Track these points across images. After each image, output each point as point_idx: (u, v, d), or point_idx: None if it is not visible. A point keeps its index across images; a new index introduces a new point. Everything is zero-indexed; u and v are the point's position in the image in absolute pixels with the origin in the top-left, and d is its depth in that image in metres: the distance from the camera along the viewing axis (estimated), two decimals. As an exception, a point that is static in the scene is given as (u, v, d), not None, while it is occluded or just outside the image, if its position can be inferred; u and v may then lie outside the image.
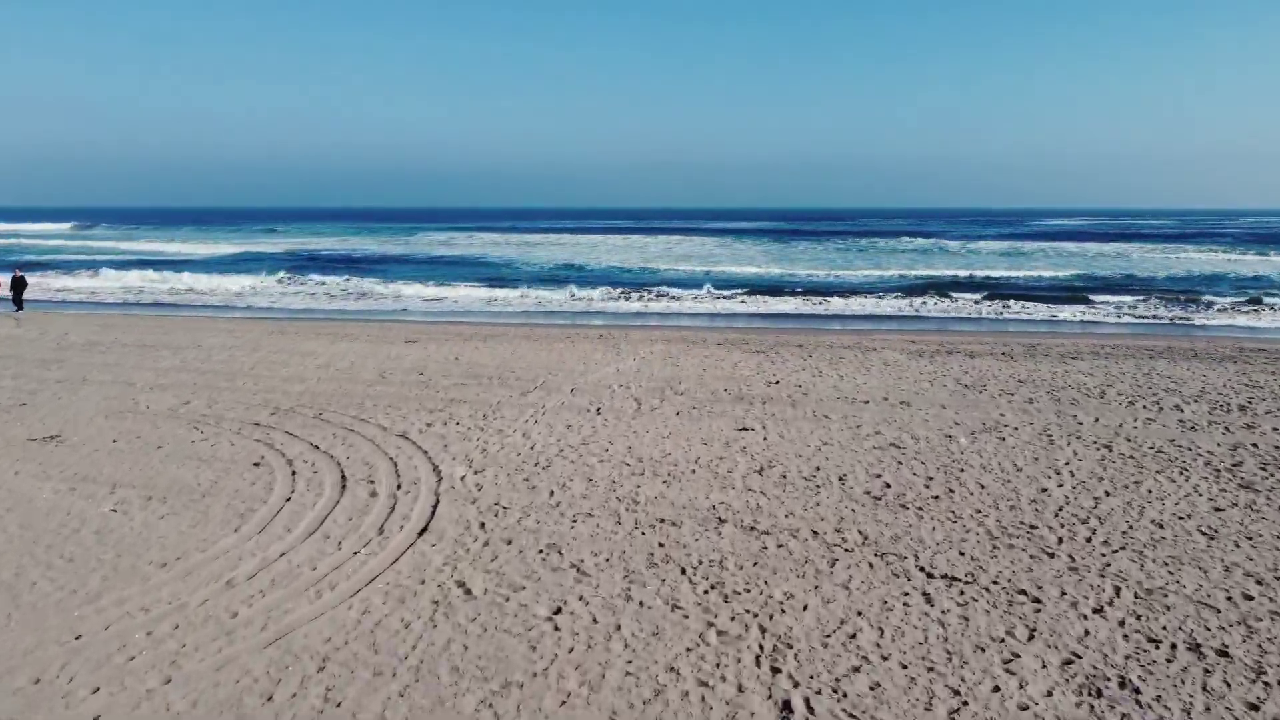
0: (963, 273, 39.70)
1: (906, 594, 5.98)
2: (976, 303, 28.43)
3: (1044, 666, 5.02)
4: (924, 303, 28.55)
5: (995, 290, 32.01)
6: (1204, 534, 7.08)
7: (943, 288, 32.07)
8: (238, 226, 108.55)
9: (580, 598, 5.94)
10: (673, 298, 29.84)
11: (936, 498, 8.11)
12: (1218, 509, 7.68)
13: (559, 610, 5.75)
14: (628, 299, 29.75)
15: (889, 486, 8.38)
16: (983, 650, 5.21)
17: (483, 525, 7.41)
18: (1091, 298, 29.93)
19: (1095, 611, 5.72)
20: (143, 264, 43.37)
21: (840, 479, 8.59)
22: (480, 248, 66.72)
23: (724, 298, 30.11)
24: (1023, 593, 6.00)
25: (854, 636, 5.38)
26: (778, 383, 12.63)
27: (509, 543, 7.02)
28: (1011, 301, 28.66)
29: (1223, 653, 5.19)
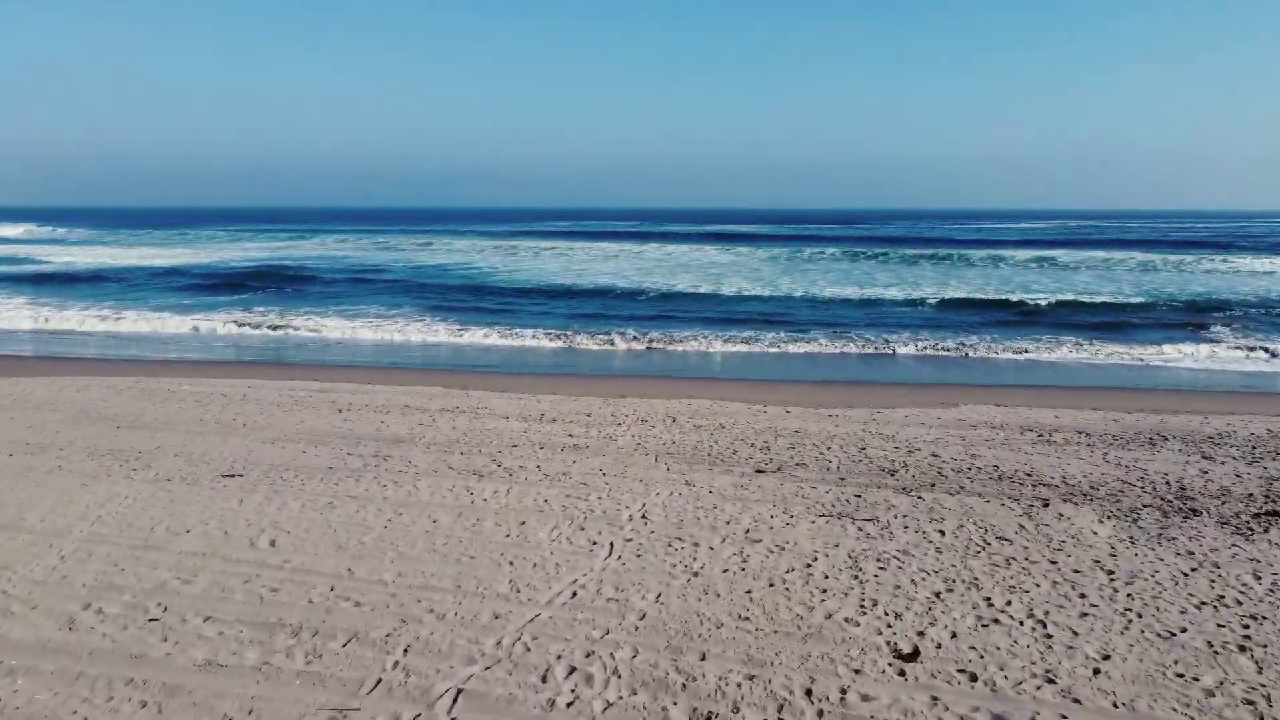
0: (1011, 296, 32.66)
1: None
2: (1077, 345, 21.27)
3: None
4: (1006, 342, 21.43)
5: (1071, 319, 25.04)
6: None
7: (1014, 324, 24.98)
8: (197, 229, 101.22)
9: None
10: (678, 339, 22.67)
11: None
12: None
13: None
14: (617, 341, 22.59)
15: None
16: None
17: None
18: (1203, 331, 23.07)
19: None
20: (52, 280, 36.20)
21: None
22: (464, 255, 59.62)
23: (743, 337, 22.97)
24: None
25: None
26: (914, 656, 5.63)
27: None
28: (1113, 345, 21.61)
29: None
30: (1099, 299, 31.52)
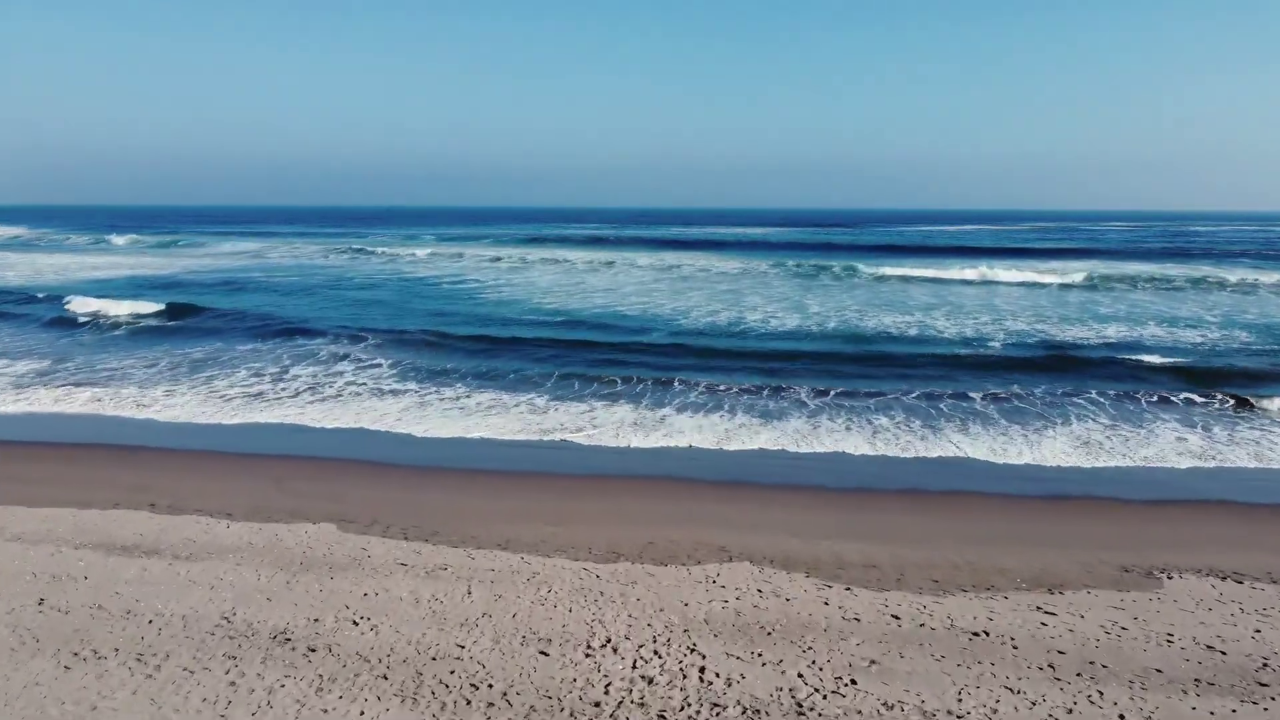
0: (1098, 333, 26.29)
1: None
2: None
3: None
4: (1145, 425, 14.87)
5: (1204, 385, 18.51)
6: None
7: (1154, 401, 18.32)
8: (176, 230, 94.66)
9: None
10: (693, 412, 16.12)
11: None
12: None
13: None
14: (609, 426, 16.05)
15: None
16: None
17: None
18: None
19: None
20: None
21: None
22: (454, 265, 53.11)
23: (779, 408, 16.44)
24: None
25: None
26: None
27: None
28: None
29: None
30: (1203, 341, 25.10)
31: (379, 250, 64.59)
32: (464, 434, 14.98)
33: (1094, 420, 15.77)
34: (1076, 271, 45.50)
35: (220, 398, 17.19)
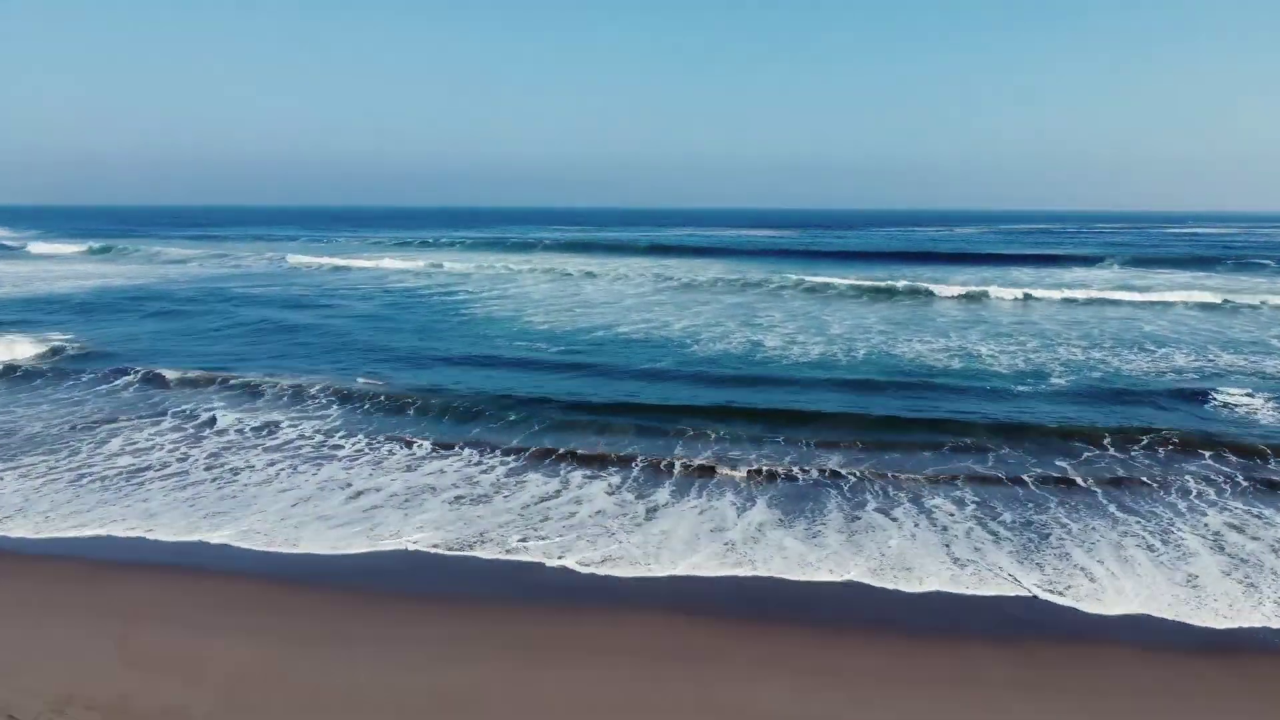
0: (1168, 364, 22.30)
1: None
2: None
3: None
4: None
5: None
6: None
7: None
8: (153, 235, 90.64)
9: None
10: (704, 511, 12.00)
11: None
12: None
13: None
14: (592, 534, 11.92)
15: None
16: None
17: None
18: None
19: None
20: None
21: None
22: (449, 276, 49.08)
23: (803, 486, 12.35)
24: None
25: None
26: None
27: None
28: None
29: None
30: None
31: (362, 256, 60.43)
32: (407, 545, 10.90)
33: (1230, 510, 11.78)
34: (1106, 284, 41.49)
35: (84, 481, 12.97)
